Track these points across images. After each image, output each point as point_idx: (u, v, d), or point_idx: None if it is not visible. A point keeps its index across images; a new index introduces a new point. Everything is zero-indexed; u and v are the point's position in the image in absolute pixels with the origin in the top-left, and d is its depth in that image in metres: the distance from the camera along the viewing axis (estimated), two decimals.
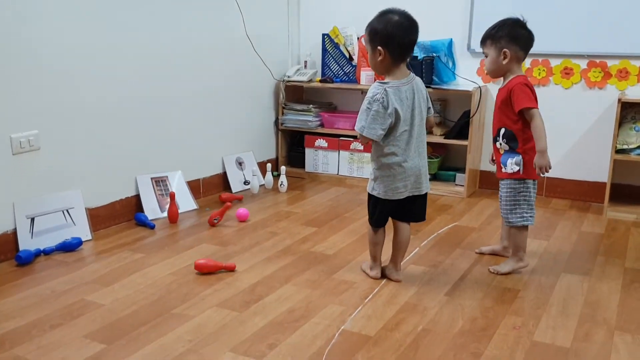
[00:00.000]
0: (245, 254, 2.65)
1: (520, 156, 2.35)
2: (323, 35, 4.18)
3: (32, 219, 2.62)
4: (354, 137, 3.97)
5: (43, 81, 2.62)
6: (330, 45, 4.17)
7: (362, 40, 3.97)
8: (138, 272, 2.43)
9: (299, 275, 2.42)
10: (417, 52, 3.83)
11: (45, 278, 2.37)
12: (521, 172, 2.36)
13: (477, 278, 2.42)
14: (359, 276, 2.42)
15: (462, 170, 3.77)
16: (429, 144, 3.90)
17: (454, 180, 3.84)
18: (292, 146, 4.30)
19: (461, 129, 3.69)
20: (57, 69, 2.68)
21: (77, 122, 2.80)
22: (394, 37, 2.16)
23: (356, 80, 4.09)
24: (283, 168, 3.84)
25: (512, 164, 2.37)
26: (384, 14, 2.21)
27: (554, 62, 3.64)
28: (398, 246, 2.37)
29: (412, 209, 2.34)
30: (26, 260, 2.49)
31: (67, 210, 2.77)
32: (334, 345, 1.86)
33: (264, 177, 3.88)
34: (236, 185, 3.76)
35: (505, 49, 2.34)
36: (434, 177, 3.91)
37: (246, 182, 3.80)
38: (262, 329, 1.97)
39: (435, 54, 3.79)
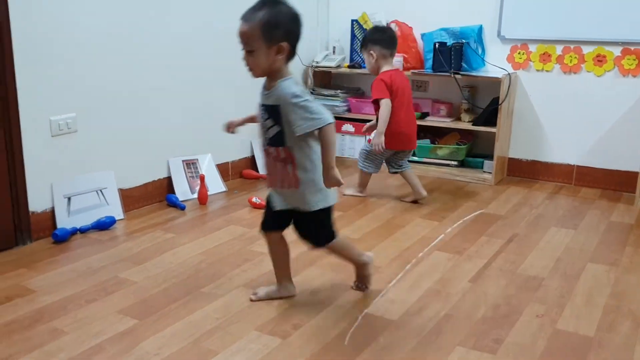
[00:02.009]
0: None
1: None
2: (352, 21, 4.19)
3: (69, 199, 2.72)
4: None
5: (81, 68, 2.70)
6: (359, 31, 4.18)
7: (392, 26, 3.97)
8: (169, 252, 2.51)
9: (323, 258, 2.47)
10: (446, 39, 3.81)
11: (81, 255, 2.46)
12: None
13: (501, 266, 2.44)
14: (383, 260, 2.46)
15: (490, 157, 3.75)
16: (458, 130, 3.94)
17: (482, 167, 3.83)
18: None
19: (489, 115, 3.68)
20: (95, 56, 2.75)
21: (112, 106, 2.88)
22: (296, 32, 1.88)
23: None
24: None
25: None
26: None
27: (587, 49, 3.59)
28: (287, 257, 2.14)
29: None
30: (63, 238, 2.59)
31: (101, 191, 2.86)
32: (357, 328, 1.91)
33: None
34: (263, 169, 3.80)
35: (371, 50, 3.12)
36: (462, 164, 3.91)
37: None
38: (287, 309, 2.03)
39: (464, 40, 3.76)
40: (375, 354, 1.77)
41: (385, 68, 3.15)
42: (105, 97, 2.84)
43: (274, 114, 1.88)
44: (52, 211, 2.66)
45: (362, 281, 2.18)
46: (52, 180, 2.66)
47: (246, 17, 1.84)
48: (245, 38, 1.84)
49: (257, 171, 3.77)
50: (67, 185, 2.72)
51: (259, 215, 2.99)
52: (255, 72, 1.88)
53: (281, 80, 1.87)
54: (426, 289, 2.20)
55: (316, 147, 1.90)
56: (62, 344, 1.78)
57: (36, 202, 2.60)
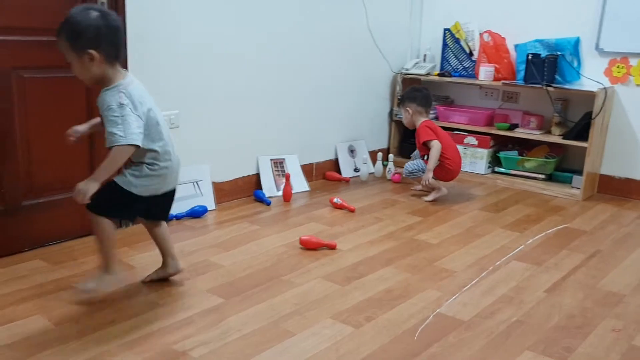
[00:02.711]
0: (349, 235, 2.82)
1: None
2: (444, 30, 4.23)
3: None
4: (469, 131, 4.00)
5: (186, 68, 2.94)
6: (450, 40, 4.21)
7: (484, 36, 3.97)
8: (254, 241, 2.68)
9: (401, 260, 2.54)
10: (541, 50, 3.77)
11: (176, 239, 2.67)
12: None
13: (580, 280, 2.41)
14: (460, 266, 2.50)
15: (579, 172, 3.66)
16: (547, 143, 3.88)
17: (570, 182, 3.74)
18: (405, 137, 4.40)
19: (581, 130, 3.59)
20: (199, 58, 2.99)
21: (211, 106, 3.11)
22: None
23: (475, 75, 4.10)
24: (391, 156, 3.99)
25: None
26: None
27: (633, 61, 3.52)
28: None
29: None
30: None
31: (197, 182, 3.09)
32: (427, 325, 1.98)
33: (374, 166, 4.03)
34: (346, 172, 3.94)
35: (407, 107, 3.53)
36: (550, 178, 3.85)
37: (356, 169, 3.97)
38: (361, 302, 2.13)
39: (559, 53, 3.71)
40: (443, 350, 1.83)
41: (421, 120, 3.51)
42: (205, 97, 3.07)
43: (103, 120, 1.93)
44: None
45: (94, 279, 2.09)
46: None
47: (57, 30, 1.85)
48: (61, 50, 1.86)
49: (340, 173, 3.90)
50: None
51: (339, 215, 3.14)
52: (84, 80, 1.92)
53: (105, 89, 1.90)
54: (500, 295, 2.23)
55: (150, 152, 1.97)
56: (158, 314, 1.98)
57: None
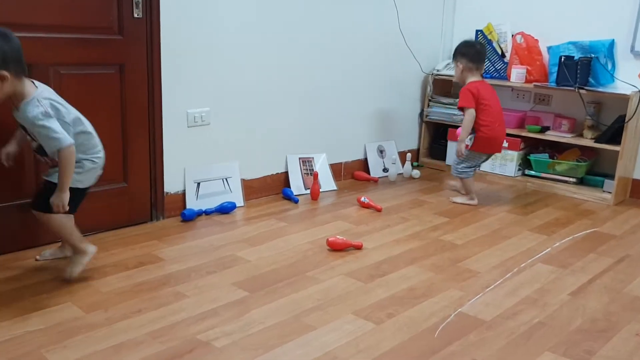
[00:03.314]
0: (375, 234, 2.84)
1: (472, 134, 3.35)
2: (477, 31, 4.20)
3: (198, 184, 3.03)
4: None
5: (217, 67, 3.01)
6: (483, 41, 4.18)
7: (517, 37, 3.94)
8: (280, 238, 2.73)
9: (425, 259, 2.55)
10: (574, 52, 3.72)
11: (204, 233, 2.75)
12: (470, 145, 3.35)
13: (606, 284, 2.38)
14: (484, 267, 2.50)
15: (611, 176, 3.60)
16: (579, 146, 3.82)
17: (602, 187, 3.68)
18: (435, 138, 4.39)
19: (614, 133, 3.53)
20: (229, 58, 3.05)
21: (241, 104, 3.17)
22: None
23: (507, 77, 4.07)
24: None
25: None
26: None
27: None
28: None
29: None
30: (189, 218, 2.90)
31: (226, 179, 3.15)
32: (448, 324, 1.98)
33: (403, 167, 4.03)
34: (375, 172, 3.95)
35: (458, 62, 3.37)
36: (581, 182, 3.79)
37: (385, 170, 3.98)
38: (384, 299, 2.15)
39: (593, 55, 3.65)
40: (464, 348, 1.83)
41: (471, 79, 3.35)
42: (235, 95, 3.13)
43: (28, 133, 2.07)
44: (183, 193, 2.99)
45: (72, 265, 2.20)
46: (185, 166, 2.98)
47: None
48: None
49: (369, 173, 3.91)
50: (198, 171, 3.04)
51: (366, 214, 3.16)
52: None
53: (23, 102, 1.99)
54: (523, 296, 2.22)
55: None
56: (184, 305, 2.04)
57: (170, 184, 2.93)
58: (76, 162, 2.09)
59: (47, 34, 2.38)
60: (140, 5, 2.60)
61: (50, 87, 2.35)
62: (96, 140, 2.20)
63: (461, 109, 3.35)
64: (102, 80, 2.56)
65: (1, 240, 2.39)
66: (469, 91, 3.29)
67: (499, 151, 3.51)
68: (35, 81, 2.08)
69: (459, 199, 3.46)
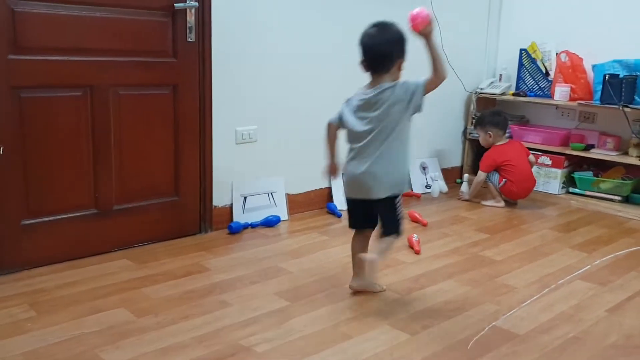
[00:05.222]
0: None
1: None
2: (520, 50, 4.23)
3: (245, 198, 3.18)
4: (543, 151, 3.97)
5: (264, 86, 3.16)
6: (527, 60, 4.21)
7: (561, 56, 3.95)
8: (322, 251, 2.83)
9: (462, 274, 2.60)
10: (619, 70, 3.70)
11: (249, 245, 2.88)
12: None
13: None
14: (521, 282, 2.52)
15: None
16: (624, 164, 3.78)
17: None
18: (478, 156, 4.40)
19: None
20: (275, 81, 3.19)
21: (287, 122, 3.31)
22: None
23: (550, 95, 4.07)
24: (466, 176, 4.02)
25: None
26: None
27: None
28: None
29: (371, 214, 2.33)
30: (236, 230, 3.04)
31: (272, 194, 3.28)
32: (482, 337, 2.03)
33: (446, 184, 4.08)
34: (418, 188, 4.01)
35: (489, 131, 3.77)
36: (626, 200, 3.75)
37: (427, 186, 4.04)
38: (420, 312, 2.21)
39: (638, 73, 3.62)
40: None
41: (498, 143, 3.77)
42: (281, 114, 3.27)
43: None
44: (230, 207, 3.13)
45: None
46: (233, 180, 3.13)
47: None
48: None
49: (411, 189, 3.97)
50: (245, 186, 3.18)
51: (409, 228, 3.21)
52: None
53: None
54: (559, 312, 2.24)
55: None
56: (227, 313, 2.16)
57: (218, 198, 3.08)
58: None
59: (108, 57, 2.57)
60: (194, 30, 2.78)
61: (109, 106, 2.55)
62: None
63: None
64: (157, 100, 2.75)
65: (69, 246, 2.57)
66: (492, 158, 3.72)
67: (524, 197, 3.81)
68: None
69: (488, 202, 3.80)
